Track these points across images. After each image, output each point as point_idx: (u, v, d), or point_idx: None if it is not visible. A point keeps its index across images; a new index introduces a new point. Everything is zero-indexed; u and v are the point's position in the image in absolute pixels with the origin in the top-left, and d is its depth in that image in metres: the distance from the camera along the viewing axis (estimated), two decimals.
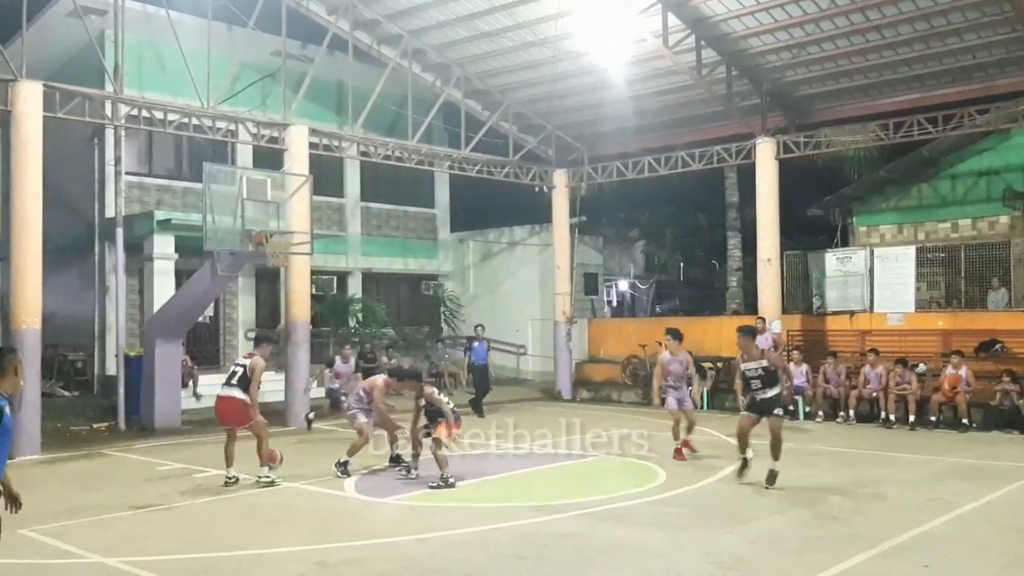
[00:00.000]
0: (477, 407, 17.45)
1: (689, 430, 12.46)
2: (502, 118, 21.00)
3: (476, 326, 19.00)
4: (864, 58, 16.74)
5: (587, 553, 7.44)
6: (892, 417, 15.33)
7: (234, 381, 10.34)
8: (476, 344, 18.28)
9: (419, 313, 25.39)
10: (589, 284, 25.50)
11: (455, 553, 7.51)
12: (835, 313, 19.19)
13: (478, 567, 7.06)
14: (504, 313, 24.41)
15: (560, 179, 22.19)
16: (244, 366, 10.44)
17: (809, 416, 16.48)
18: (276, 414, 15.33)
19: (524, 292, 24.53)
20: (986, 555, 7.21)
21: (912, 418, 15.19)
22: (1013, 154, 19.22)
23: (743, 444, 10.32)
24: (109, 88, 15.77)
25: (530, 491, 10.25)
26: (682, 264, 29.42)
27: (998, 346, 16.49)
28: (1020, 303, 18.38)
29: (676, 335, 12.31)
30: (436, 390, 10.75)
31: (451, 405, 10.60)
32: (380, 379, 11.55)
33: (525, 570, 7.00)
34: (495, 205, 25.34)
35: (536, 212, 23.62)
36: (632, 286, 27.94)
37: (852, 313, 18.82)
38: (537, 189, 22.36)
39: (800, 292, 20.69)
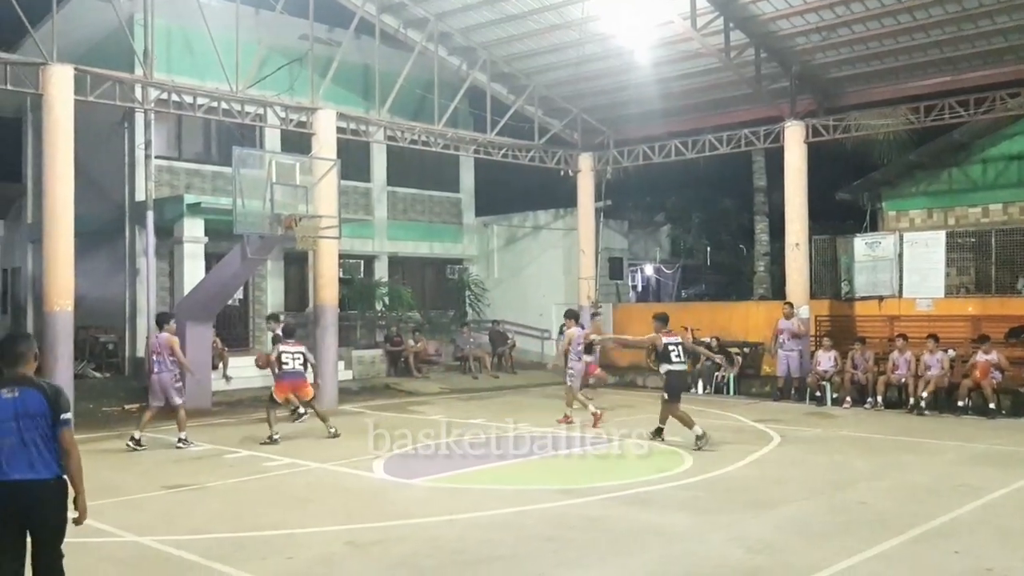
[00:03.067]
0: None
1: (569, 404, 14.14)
2: (527, 102, 20.95)
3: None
4: (895, 40, 16.52)
5: (615, 536, 7.48)
6: (923, 403, 15.14)
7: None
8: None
9: (444, 297, 25.47)
10: (614, 268, 25.45)
11: (483, 535, 7.58)
12: (864, 298, 19.03)
13: (506, 548, 7.12)
14: (528, 297, 24.45)
15: (585, 163, 22.13)
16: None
17: (836, 402, 16.39)
18: None
19: (548, 276, 24.53)
20: (1016, 541, 7.17)
21: (936, 402, 15.08)
22: None
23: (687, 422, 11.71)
24: (139, 72, 15.89)
25: (557, 474, 10.31)
26: (708, 248, 29.28)
27: None
28: None
29: (663, 319, 12.31)
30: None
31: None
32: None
33: (553, 552, 7.05)
34: (520, 189, 25.35)
35: (561, 196, 23.59)
36: (657, 271, 27.88)
37: (881, 298, 18.66)
38: (562, 173, 22.32)
39: (828, 277, 20.51)
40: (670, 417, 11.99)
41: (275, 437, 12.12)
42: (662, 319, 12.31)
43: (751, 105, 19.46)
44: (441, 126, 19.41)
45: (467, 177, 26.04)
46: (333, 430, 12.53)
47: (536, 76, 20.52)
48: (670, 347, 12.02)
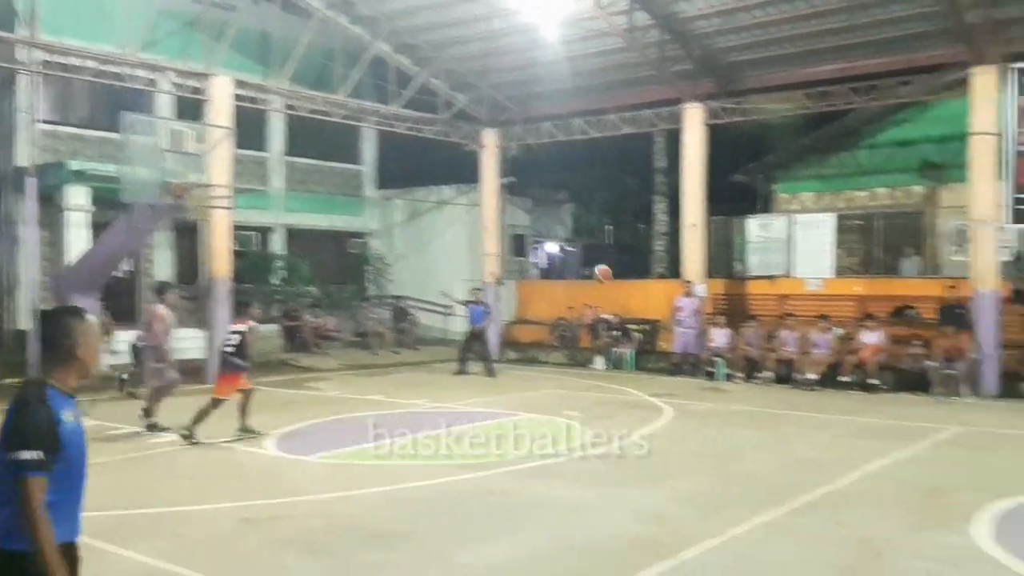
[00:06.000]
0: (486, 369, 17.66)
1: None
2: (433, 75, 20.68)
3: (474, 289, 19.15)
4: (792, 27, 16.91)
5: (513, 509, 7.51)
6: (811, 378, 15.75)
7: None
8: (474, 307, 18.30)
9: (344, 271, 25.07)
10: (518, 246, 25.53)
11: (382, 510, 7.50)
12: (757, 278, 19.61)
13: (405, 524, 7.07)
14: (432, 273, 24.25)
15: (490, 139, 22.03)
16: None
17: (729, 377, 16.87)
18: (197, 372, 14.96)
19: (452, 252, 24.41)
20: (895, 511, 7.50)
21: (822, 378, 15.70)
22: (930, 126, 19.73)
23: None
24: (21, 32, 14.99)
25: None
26: (610, 227, 29.65)
27: (910, 311, 17.09)
28: (932, 270, 19.05)
29: None
30: None
31: None
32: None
33: (452, 526, 7.03)
34: (424, 163, 25.07)
35: (465, 172, 23.43)
36: (561, 248, 28.09)
37: (773, 278, 19.27)
38: (467, 148, 22.19)
39: (724, 257, 21.05)
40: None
41: (194, 434, 10.29)
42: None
43: (654, 86, 19.65)
44: (343, 96, 19.00)
45: (369, 149, 25.64)
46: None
47: (442, 49, 20.26)
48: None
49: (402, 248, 25.61)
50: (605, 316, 19.65)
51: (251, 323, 10.99)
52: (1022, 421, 12.51)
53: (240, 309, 11.95)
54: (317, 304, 21.69)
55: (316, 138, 23.35)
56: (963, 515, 7.12)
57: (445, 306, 23.61)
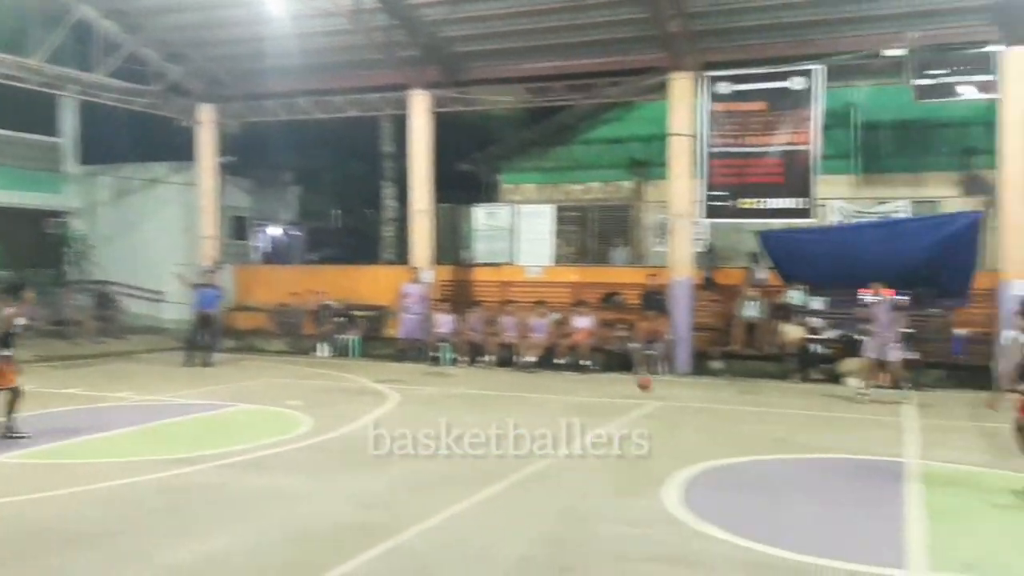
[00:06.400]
0: (202, 358, 16.75)
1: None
2: (144, 43, 19.20)
3: (205, 271, 18.12)
4: (515, 22, 17.49)
5: (230, 502, 7.18)
6: (530, 361, 16.49)
7: None
8: (203, 289, 17.30)
9: (41, 254, 22.67)
10: (239, 228, 24.42)
11: (80, 510, 6.88)
12: (482, 265, 20.18)
13: (104, 523, 6.52)
14: (142, 256, 22.52)
15: (207, 114, 20.84)
16: None
17: (454, 362, 17.23)
18: None
19: (165, 234, 22.80)
20: (600, 480, 8.02)
21: (540, 360, 16.51)
22: (637, 125, 21.21)
23: None
24: None
25: (169, 443, 9.67)
26: (338, 212, 29.21)
27: (618, 297, 18.37)
28: (637, 260, 20.58)
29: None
30: None
31: None
32: None
33: (165, 522, 6.61)
34: (135, 139, 23.19)
35: (181, 149, 21.99)
36: (285, 232, 27.25)
37: (497, 265, 19.92)
38: (182, 124, 20.87)
39: (451, 244, 21.45)
40: None
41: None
42: None
43: (381, 70, 19.53)
44: (40, 62, 17.14)
45: (69, 120, 23.37)
46: None
47: (154, 17, 18.83)
48: None
49: (108, 229, 23.52)
50: (329, 302, 19.36)
51: None
52: (710, 395, 13.89)
53: None
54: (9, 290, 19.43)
55: (8, 106, 20.85)
56: (657, 481, 7.75)
57: (156, 292, 22.11)
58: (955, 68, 14.96)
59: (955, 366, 14.98)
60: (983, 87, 14.85)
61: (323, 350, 18.93)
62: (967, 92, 15.07)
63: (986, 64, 14.72)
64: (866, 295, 14.22)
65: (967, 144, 18.77)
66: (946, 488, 7.64)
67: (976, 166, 18.49)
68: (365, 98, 19.78)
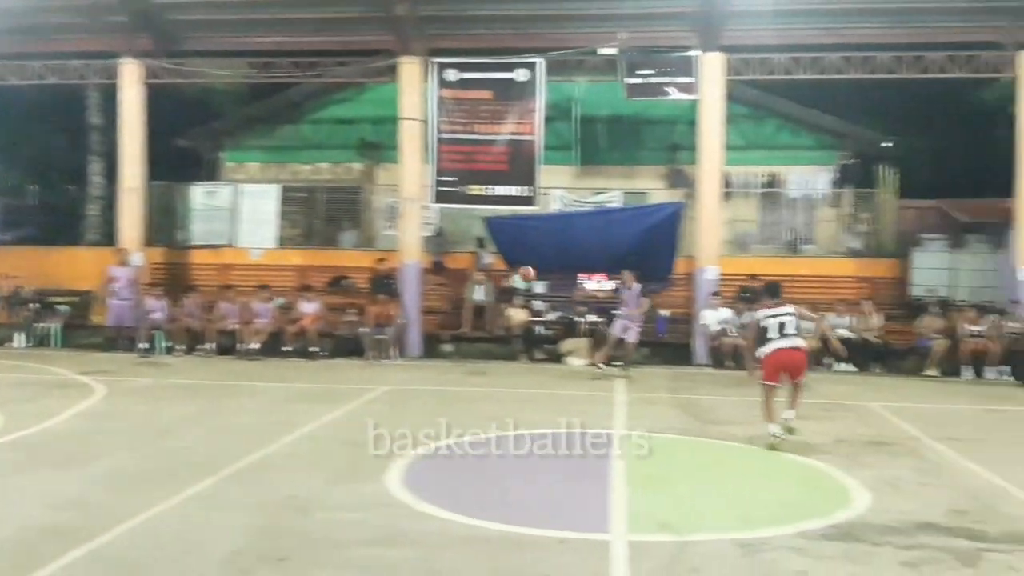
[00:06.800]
0: None
1: None
2: None
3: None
4: None
5: None
6: (253, 348, 15.82)
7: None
8: None
9: None
10: None
11: None
12: (200, 247, 19.11)
13: None
14: None
15: None
16: None
17: (170, 351, 16.19)
18: None
19: None
20: (323, 467, 7.80)
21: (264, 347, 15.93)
22: (367, 107, 20.98)
23: None
24: None
25: None
26: (36, 187, 26.42)
27: (346, 281, 18.12)
28: (367, 243, 20.42)
29: None
30: None
31: None
32: None
33: None
34: None
35: None
36: None
37: (216, 247, 18.93)
38: None
39: (166, 224, 20.09)
40: None
41: None
42: None
43: (86, 35, 17.85)
44: None
45: None
46: None
47: None
48: None
49: None
50: (22, 288, 17.49)
51: None
52: (440, 377, 14.08)
53: None
54: None
55: None
56: (381, 465, 7.68)
57: None
58: (661, 69, 16.15)
59: (659, 344, 16.27)
60: (685, 88, 16.16)
61: (19, 340, 17.08)
62: (672, 92, 16.32)
63: (687, 67, 16.03)
64: (585, 280, 15.07)
65: (672, 140, 20.42)
66: (648, 456, 8.21)
67: (680, 161, 20.14)
68: (68, 64, 17.95)
